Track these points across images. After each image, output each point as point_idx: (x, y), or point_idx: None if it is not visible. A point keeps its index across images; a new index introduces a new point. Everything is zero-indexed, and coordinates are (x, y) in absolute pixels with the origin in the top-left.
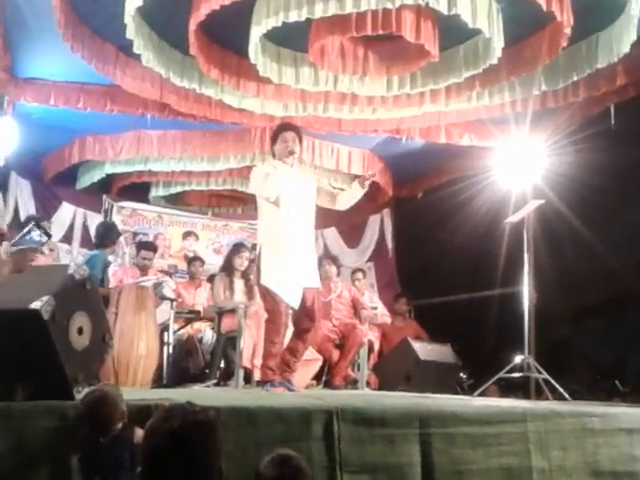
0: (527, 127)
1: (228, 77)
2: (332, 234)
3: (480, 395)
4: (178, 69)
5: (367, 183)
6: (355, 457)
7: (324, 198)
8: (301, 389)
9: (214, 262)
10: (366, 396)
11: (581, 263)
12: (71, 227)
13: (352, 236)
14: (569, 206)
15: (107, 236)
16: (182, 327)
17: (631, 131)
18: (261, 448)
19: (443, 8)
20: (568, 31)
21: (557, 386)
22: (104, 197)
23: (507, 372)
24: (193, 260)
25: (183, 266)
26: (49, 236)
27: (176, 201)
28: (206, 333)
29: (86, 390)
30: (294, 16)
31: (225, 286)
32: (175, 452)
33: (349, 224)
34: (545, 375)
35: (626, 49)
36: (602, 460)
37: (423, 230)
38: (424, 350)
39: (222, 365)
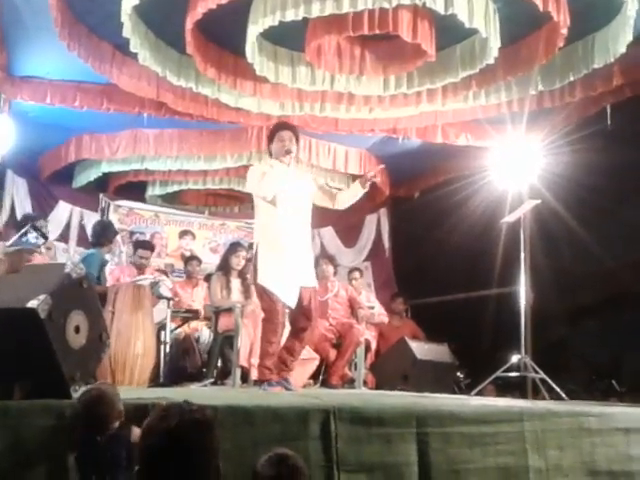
0: (523, 127)
1: (225, 76)
2: (329, 233)
3: (477, 394)
4: (175, 68)
5: (368, 183)
6: (352, 456)
7: (323, 197)
8: (298, 388)
9: (211, 261)
10: (363, 395)
11: (577, 263)
12: (67, 226)
13: (349, 235)
14: (565, 206)
15: (104, 235)
16: (179, 326)
17: (627, 131)
18: (258, 447)
19: (440, 8)
20: (564, 31)
21: (554, 386)
22: (101, 196)
23: (504, 371)
24: (190, 259)
25: (180, 265)
26: (46, 238)
27: (173, 200)
28: (203, 332)
29: (83, 389)
30: (291, 15)
31: (222, 285)
32: (172, 451)
33: (346, 223)
34: (542, 375)
35: (622, 49)
36: (599, 460)
37: (420, 230)
38: (421, 349)
39: (219, 364)
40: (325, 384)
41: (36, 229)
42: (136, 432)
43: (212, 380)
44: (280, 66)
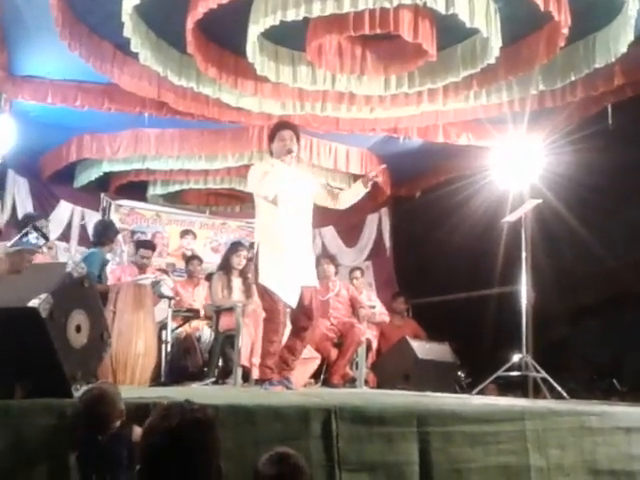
0: (525, 127)
1: (226, 76)
2: (330, 233)
3: (478, 394)
4: (176, 67)
5: (370, 183)
6: (353, 455)
7: (324, 197)
8: (299, 387)
9: (212, 261)
10: (364, 395)
11: (579, 263)
12: (69, 225)
13: (350, 235)
14: (567, 206)
15: (105, 234)
16: (180, 325)
17: (629, 131)
18: (260, 446)
19: (441, 7)
20: (566, 31)
21: (555, 385)
22: (102, 195)
23: (505, 371)
24: (191, 259)
25: (181, 264)
26: (47, 238)
27: (174, 200)
28: (204, 331)
29: (84, 388)
30: (292, 15)
31: (223, 285)
32: (174, 451)
33: (347, 223)
34: (543, 374)
35: (623, 49)
36: (600, 459)
37: (421, 229)
38: (422, 349)
39: (220, 363)
40: (326, 383)
41: (37, 230)
42: (137, 431)
43: (213, 379)
44: (281, 66)
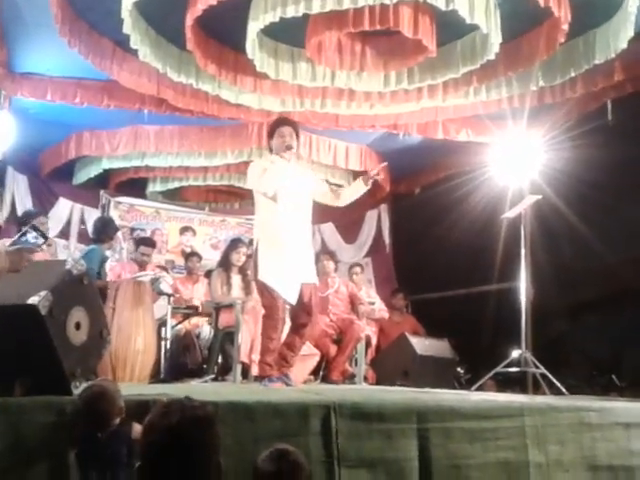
0: (524, 123)
1: (225, 72)
2: (329, 229)
3: (477, 390)
4: (175, 64)
5: (370, 181)
6: (353, 452)
7: (324, 194)
8: (299, 384)
9: (211, 257)
10: (364, 391)
11: (578, 259)
12: (68, 222)
13: (349, 231)
14: (566, 202)
15: (104, 231)
16: (180, 322)
17: (628, 127)
18: (259, 443)
19: (441, 3)
20: (566, 27)
21: (554, 381)
22: (101, 192)
23: (504, 367)
24: (190, 255)
25: (180, 261)
26: (45, 238)
27: (173, 196)
28: (203, 328)
29: (84, 385)
30: (291, 11)
31: (222, 281)
32: (173, 448)
33: (346, 219)
34: (542, 370)
35: (623, 45)
36: (599, 454)
37: (420, 225)
38: (421, 345)
39: (220, 360)
40: (325, 380)
41: (36, 229)
42: (137, 429)
43: (213, 376)
44: (280, 62)
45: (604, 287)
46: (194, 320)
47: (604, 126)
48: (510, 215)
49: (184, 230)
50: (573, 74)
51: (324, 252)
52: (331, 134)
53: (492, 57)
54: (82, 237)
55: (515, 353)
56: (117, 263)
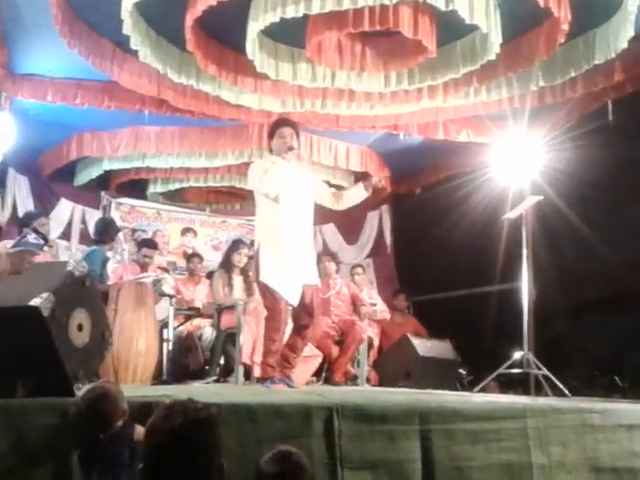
0: (525, 123)
1: (225, 73)
2: (331, 230)
3: (480, 391)
4: (175, 65)
5: (371, 189)
6: (355, 453)
7: (325, 196)
8: (301, 385)
9: (213, 259)
10: (366, 392)
11: (580, 260)
12: (69, 224)
13: (351, 232)
14: (567, 202)
15: (106, 232)
16: (182, 324)
17: (629, 127)
18: (261, 444)
19: (441, 4)
20: (566, 27)
21: (557, 382)
22: (102, 193)
23: (506, 368)
24: (192, 257)
25: (182, 263)
26: (46, 240)
27: (174, 198)
28: (205, 330)
29: (86, 387)
30: (291, 12)
31: (224, 283)
32: (176, 450)
33: (347, 220)
34: (545, 371)
35: (623, 45)
36: (602, 456)
37: (421, 226)
38: (424, 346)
39: (222, 362)
40: (328, 381)
41: (36, 232)
42: (139, 430)
43: (215, 378)
44: (281, 63)
45: (606, 288)
46: (196, 321)
47: (605, 126)
48: (511, 216)
49: (185, 231)
50: (573, 74)
51: (325, 253)
52: (332, 135)
53: (492, 57)
54: (83, 238)
55: (517, 354)
56: (119, 264)
